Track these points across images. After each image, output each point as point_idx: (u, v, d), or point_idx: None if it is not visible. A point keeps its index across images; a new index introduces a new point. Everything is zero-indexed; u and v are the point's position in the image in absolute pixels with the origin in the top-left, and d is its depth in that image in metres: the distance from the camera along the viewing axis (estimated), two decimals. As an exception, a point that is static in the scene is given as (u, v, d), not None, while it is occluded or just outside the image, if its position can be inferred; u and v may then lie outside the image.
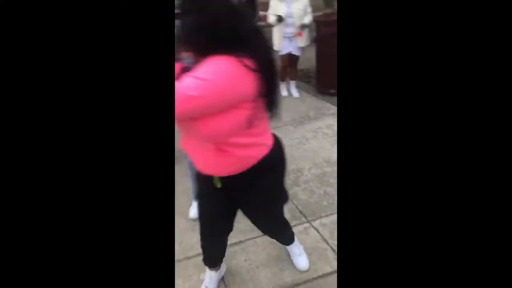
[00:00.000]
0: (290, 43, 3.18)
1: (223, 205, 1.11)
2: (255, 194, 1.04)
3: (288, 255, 1.51)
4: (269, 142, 0.99)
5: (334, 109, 3.08)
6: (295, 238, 1.44)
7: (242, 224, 1.56)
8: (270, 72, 0.85)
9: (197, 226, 1.26)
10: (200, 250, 1.29)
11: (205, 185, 1.06)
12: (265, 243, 1.59)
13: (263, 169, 0.97)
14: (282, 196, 1.19)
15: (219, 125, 0.82)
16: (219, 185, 0.99)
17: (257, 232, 1.49)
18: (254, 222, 1.22)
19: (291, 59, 3.33)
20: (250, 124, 0.86)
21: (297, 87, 3.63)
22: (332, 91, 3.32)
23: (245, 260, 1.52)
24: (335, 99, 3.12)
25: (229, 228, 1.20)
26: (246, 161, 0.94)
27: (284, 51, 3.25)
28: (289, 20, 3.01)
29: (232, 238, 1.37)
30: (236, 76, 0.77)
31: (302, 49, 3.23)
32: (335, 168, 2.21)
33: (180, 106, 0.72)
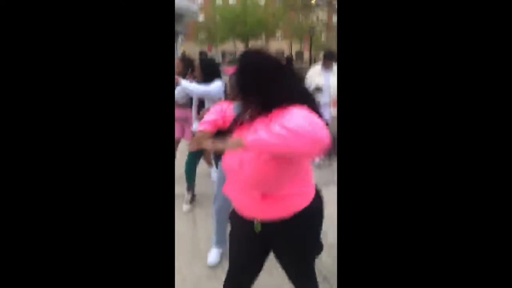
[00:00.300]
0: (325, 112, 3.16)
1: (258, 250, 1.10)
2: (292, 241, 1.03)
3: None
4: (313, 191, 1.02)
5: None
6: None
7: (259, 281, 1.61)
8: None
9: (213, 274, 1.55)
10: None
11: (241, 229, 1.05)
12: None
13: (304, 218, 0.98)
14: (317, 247, 1.19)
15: (281, 174, 0.89)
16: (259, 229, 0.99)
17: None
18: (286, 269, 1.18)
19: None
20: (301, 175, 0.94)
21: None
22: None
23: None
24: None
25: (258, 273, 1.15)
26: (291, 208, 0.95)
27: None
28: (326, 91, 3.26)
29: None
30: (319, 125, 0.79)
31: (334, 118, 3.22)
32: None
33: (307, 146, 0.74)
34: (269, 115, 0.86)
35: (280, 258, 1.12)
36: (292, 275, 1.19)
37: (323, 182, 2.85)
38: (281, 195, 0.94)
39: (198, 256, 1.87)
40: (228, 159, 0.99)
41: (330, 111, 3.41)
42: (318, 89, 3.27)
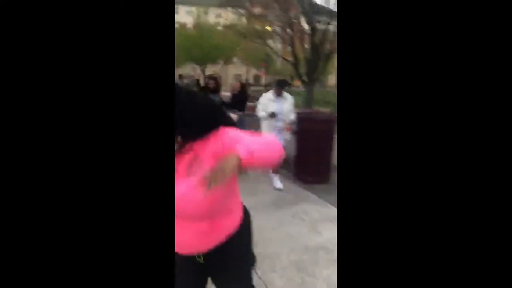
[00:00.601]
0: (280, 135, 3.36)
1: (201, 280, 1.13)
2: (230, 261, 1.06)
3: None
4: (241, 208, 1.06)
5: (312, 196, 3.18)
6: None
7: None
8: None
9: None
10: None
11: (183, 266, 1.05)
12: None
13: (238, 236, 1.01)
14: (251, 259, 1.20)
15: (224, 192, 0.90)
16: (201, 260, 1.01)
17: None
18: None
19: None
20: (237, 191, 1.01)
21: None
22: (309, 178, 3.58)
23: None
24: (311, 186, 3.44)
25: None
26: (228, 230, 0.99)
27: None
28: (279, 116, 3.33)
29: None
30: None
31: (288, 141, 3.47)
32: (313, 256, 2.15)
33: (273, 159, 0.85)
34: (196, 144, 0.87)
35: (218, 279, 1.12)
36: None
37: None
38: (221, 216, 0.96)
39: None
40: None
41: (284, 136, 3.50)
42: (273, 115, 3.32)
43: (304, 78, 6.36)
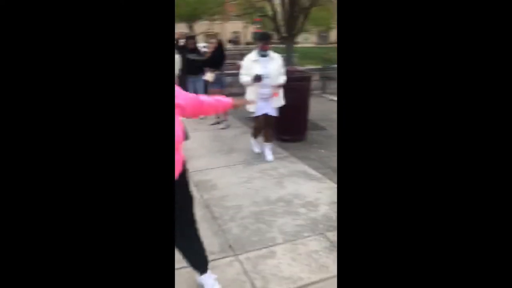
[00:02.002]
0: (266, 104, 2.91)
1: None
2: (181, 192, 1.28)
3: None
4: (181, 162, 1.30)
5: (283, 153, 3.26)
6: (209, 271, 1.50)
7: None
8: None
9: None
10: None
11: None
12: (189, 274, 1.59)
13: (178, 184, 1.22)
14: (192, 198, 1.40)
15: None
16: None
17: (182, 263, 1.52)
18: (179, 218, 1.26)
19: (267, 120, 2.97)
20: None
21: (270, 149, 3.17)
22: (285, 137, 3.54)
23: None
24: (285, 144, 3.49)
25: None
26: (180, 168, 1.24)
27: (259, 112, 2.94)
28: (265, 81, 2.75)
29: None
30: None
31: (277, 110, 3.01)
32: (272, 207, 2.30)
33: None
34: None
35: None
36: (183, 223, 1.36)
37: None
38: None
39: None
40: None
41: (271, 104, 2.91)
42: (258, 78, 2.69)
43: (283, 33, 6.06)
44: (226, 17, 22.37)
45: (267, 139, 3.10)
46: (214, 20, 20.95)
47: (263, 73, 2.72)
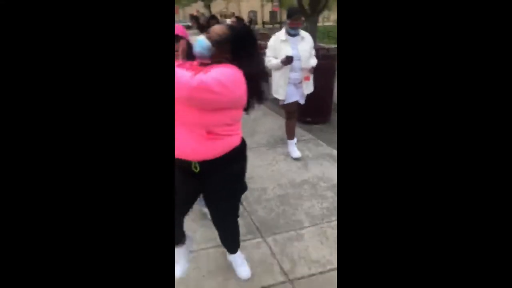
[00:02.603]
0: (297, 90, 2.54)
1: (194, 190, 1.29)
2: (224, 179, 1.20)
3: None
4: (240, 137, 1.21)
5: (307, 135, 3.19)
6: (239, 250, 1.54)
7: (197, 234, 1.76)
8: (257, 82, 1.12)
9: None
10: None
11: (181, 172, 1.16)
12: (217, 254, 1.64)
13: (233, 158, 1.17)
14: (243, 186, 1.33)
15: (216, 119, 1.06)
16: (198, 169, 1.14)
17: (211, 242, 1.68)
18: (214, 210, 1.35)
19: (295, 109, 2.66)
20: (236, 121, 1.14)
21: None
22: (308, 119, 3.43)
23: (194, 269, 1.55)
24: (309, 126, 3.42)
25: (192, 206, 1.39)
26: (225, 147, 1.13)
27: (290, 99, 2.54)
28: (295, 64, 2.36)
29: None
30: (243, 86, 1.05)
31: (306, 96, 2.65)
32: (297, 190, 2.27)
33: (197, 93, 0.94)
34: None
35: (213, 194, 1.28)
36: (219, 213, 1.36)
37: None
38: (219, 135, 1.10)
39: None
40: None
41: (304, 90, 2.56)
42: (289, 60, 2.32)
43: (307, 9, 5.78)
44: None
45: (291, 135, 2.71)
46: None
47: (293, 55, 2.32)
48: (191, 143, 1.10)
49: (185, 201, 1.32)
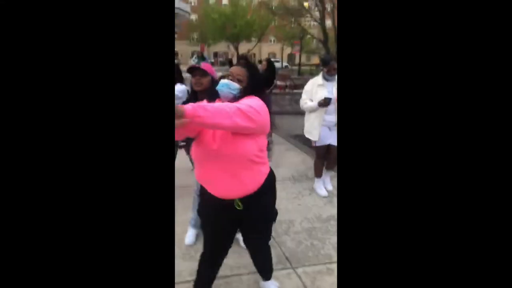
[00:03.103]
0: (331, 133, 2.62)
1: (233, 230, 1.33)
2: (261, 209, 1.25)
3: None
4: (268, 164, 1.27)
5: (332, 172, 3.01)
6: (272, 278, 1.61)
7: (230, 260, 1.71)
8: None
9: (189, 254, 1.77)
10: (186, 278, 1.62)
11: (221, 212, 1.22)
12: (250, 281, 1.69)
13: (268, 187, 1.23)
14: (275, 213, 1.39)
15: (252, 144, 1.12)
16: (240, 206, 1.18)
17: (243, 269, 1.75)
18: (252, 238, 1.40)
19: (330, 151, 2.70)
20: (264, 147, 1.21)
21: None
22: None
23: None
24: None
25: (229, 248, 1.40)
26: (259, 181, 1.19)
27: (323, 142, 2.66)
28: (331, 107, 2.50)
29: (219, 272, 1.48)
30: (267, 112, 1.16)
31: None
32: (325, 224, 2.33)
33: (237, 117, 1.01)
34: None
35: (249, 228, 1.33)
36: (258, 240, 1.41)
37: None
38: (256, 162, 1.15)
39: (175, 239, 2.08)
40: (199, 146, 1.15)
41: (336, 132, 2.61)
42: (326, 102, 2.47)
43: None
44: (264, 40, 23.19)
45: (319, 173, 2.83)
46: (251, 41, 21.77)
47: (330, 96, 2.46)
48: (237, 178, 1.14)
49: (226, 245, 1.35)
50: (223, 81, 1.18)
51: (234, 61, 4.98)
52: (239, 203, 1.18)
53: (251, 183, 1.17)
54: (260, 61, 5.02)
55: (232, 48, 20.69)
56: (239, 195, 1.17)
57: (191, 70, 1.84)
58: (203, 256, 1.39)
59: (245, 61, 1.31)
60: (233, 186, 1.16)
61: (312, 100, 2.61)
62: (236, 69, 1.21)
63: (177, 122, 0.84)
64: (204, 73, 1.87)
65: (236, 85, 1.17)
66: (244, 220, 1.28)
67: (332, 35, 6.31)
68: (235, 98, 1.17)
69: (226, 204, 1.19)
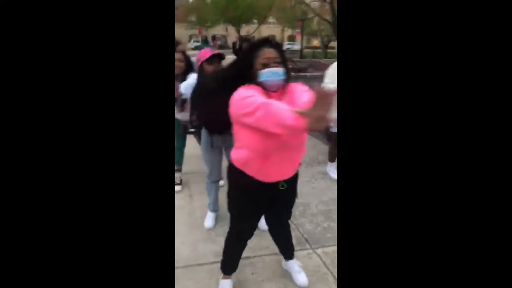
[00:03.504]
0: None
1: (265, 208, 1.40)
2: (293, 189, 1.37)
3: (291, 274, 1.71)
4: None
5: None
6: (294, 258, 1.65)
7: (251, 242, 1.83)
8: None
9: (211, 238, 1.88)
10: (211, 259, 1.72)
11: (258, 194, 1.27)
12: (272, 262, 1.76)
13: (297, 172, 1.33)
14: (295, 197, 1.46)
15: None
16: (284, 187, 1.25)
17: (265, 250, 1.82)
18: (279, 218, 1.49)
19: None
20: None
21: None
22: None
23: (252, 274, 1.67)
24: None
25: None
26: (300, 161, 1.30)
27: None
28: None
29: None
30: None
31: None
32: None
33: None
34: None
35: (280, 206, 1.41)
36: (284, 219, 1.51)
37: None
38: (303, 152, 1.27)
39: (195, 224, 2.14)
40: (270, 139, 1.09)
41: None
42: None
43: None
44: (264, 21, 22.69)
45: (333, 158, 2.87)
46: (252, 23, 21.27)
47: None
48: (294, 164, 1.24)
49: (255, 225, 1.43)
50: (269, 70, 1.12)
51: (237, 44, 4.87)
52: (284, 184, 1.24)
53: (298, 165, 1.27)
54: (245, 39, 4.84)
55: (230, 31, 20.20)
56: (288, 176, 1.25)
57: (211, 58, 1.80)
58: (231, 236, 1.45)
59: (274, 42, 1.20)
60: (290, 170, 1.24)
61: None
62: (270, 53, 1.15)
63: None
64: (221, 59, 1.84)
65: (281, 70, 1.14)
66: (278, 199, 1.34)
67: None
68: (282, 83, 1.15)
69: (266, 186, 1.23)
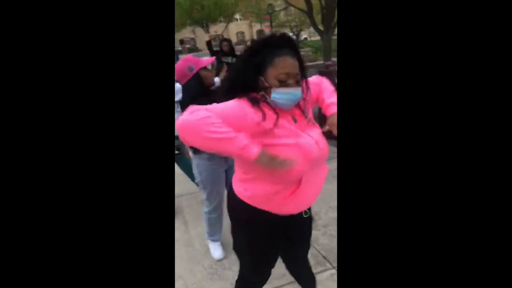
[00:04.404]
0: None
1: (281, 242, 1.13)
2: (309, 222, 1.14)
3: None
4: None
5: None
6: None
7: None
8: None
9: (217, 273, 1.58)
10: None
11: (279, 229, 1.04)
12: None
13: None
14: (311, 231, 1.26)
15: None
16: (308, 213, 1.06)
17: (283, 280, 1.57)
18: (299, 250, 1.24)
19: None
20: None
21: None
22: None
23: None
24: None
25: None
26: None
27: None
28: None
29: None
30: None
31: None
32: None
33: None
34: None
35: (300, 240, 1.17)
36: (302, 253, 1.26)
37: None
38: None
39: (196, 259, 1.86)
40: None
41: None
42: None
43: (320, 26, 5.97)
44: (229, 19, 22.36)
45: None
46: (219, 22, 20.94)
47: None
48: (324, 179, 1.04)
49: (269, 274, 1.18)
50: (286, 91, 0.86)
51: (214, 45, 4.67)
52: (307, 210, 1.04)
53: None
54: (225, 40, 4.71)
55: (197, 33, 19.79)
56: (311, 203, 1.04)
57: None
58: (241, 286, 1.20)
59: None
60: (320, 189, 1.03)
61: None
62: (291, 65, 0.86)
63: None
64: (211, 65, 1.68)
65: (300, 91, 0.89)
66: (298, 231, 1.12)
67: (316, 3, 5.97)
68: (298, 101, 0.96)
69: (285, 219, 0.99)
